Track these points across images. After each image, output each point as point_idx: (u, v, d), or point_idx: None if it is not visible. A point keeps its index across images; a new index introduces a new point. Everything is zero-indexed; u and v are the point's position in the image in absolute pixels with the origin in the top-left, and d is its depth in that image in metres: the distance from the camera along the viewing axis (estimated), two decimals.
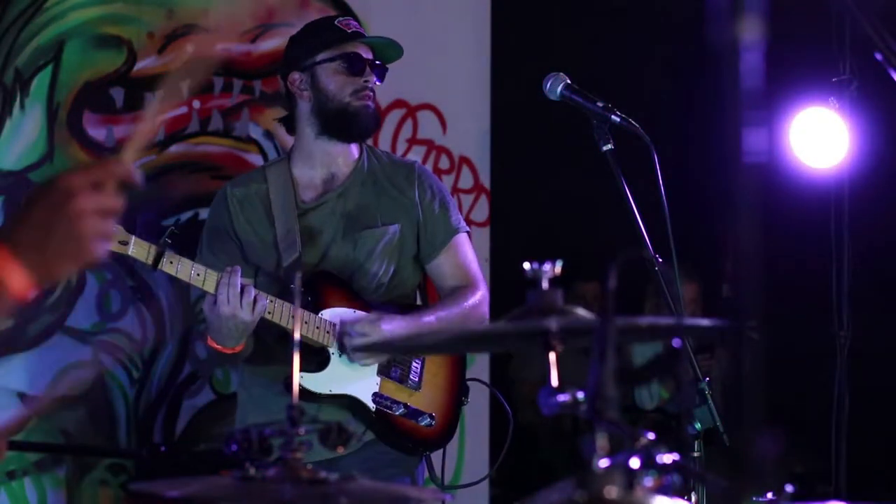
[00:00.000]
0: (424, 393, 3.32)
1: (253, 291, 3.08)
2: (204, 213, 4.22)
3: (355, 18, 4.36)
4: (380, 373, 3.27)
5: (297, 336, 1.98)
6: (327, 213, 3.35)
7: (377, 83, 3.35)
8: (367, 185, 3.39)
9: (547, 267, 1.83)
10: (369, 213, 3.37)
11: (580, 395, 1.69)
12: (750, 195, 1.24)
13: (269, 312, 3.13)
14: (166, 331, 4.18)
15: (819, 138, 4.13)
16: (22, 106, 3.96)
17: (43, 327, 3.99)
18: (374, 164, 3.44)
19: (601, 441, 1.56)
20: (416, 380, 3.32)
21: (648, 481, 1.63)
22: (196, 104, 4.25)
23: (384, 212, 3.38)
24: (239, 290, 3.05)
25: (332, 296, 3.26)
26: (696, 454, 2.62)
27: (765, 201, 1.24)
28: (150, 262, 3.01)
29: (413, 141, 4.72)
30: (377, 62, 3.36)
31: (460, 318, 3.34)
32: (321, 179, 3.38)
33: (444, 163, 4.76)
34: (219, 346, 3.19)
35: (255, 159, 4.33)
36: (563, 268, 1.84)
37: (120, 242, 2.98)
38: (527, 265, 1.85)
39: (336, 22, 3.40)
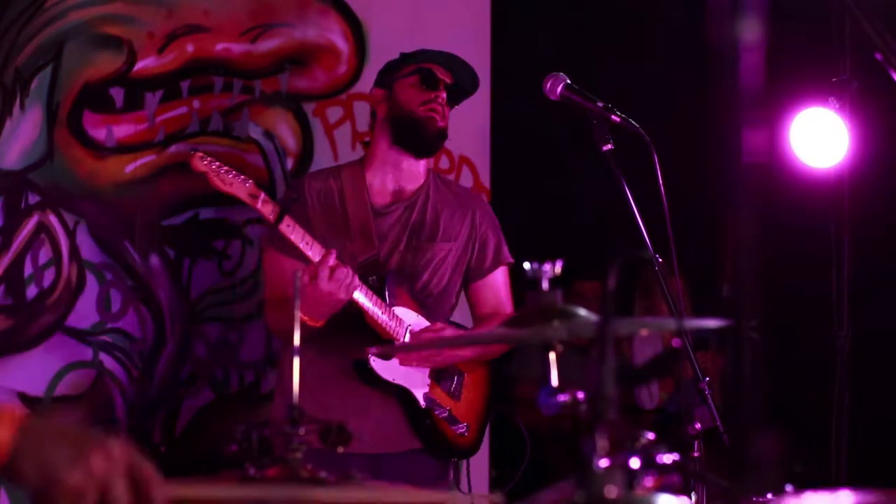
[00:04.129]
0: (462, 405, 3.58)
1: (352, 272, 3.28)
2: (204, 214, 4.23)
3: (356, 19, 4.39)
4: (431, 376, 3.52)
5: (296, 340, 1.97)
6: (395, 220, 3.57)
7: (446, 103, 3.55)
8: (432, 203, 3.63)
9: (547, 267, 1.84)
10: (432, 228, 3.60)
11: (580, 395, 1.69)
12: (750, 195, 1.24)
13: (359, 295, 3.35)
14: (166, 331, 4.18)
15: (819, 138, 4.13)
16: (22, 106, 3.95)
17: (43, 327, 3.98)
18: (441, 187, 3.70)
19: (601, 441, 1.56)
20: (458, 391, 3.58)
21: (648, 481, 1.64)
22: (196, 104, 4.25)
23: (446, 229, 3.62)
24: (342, 270, 3.24)
25: (401, 295, 3.50)
26: (695, 454, 2.62)
27: (765, 201, 1.24)
28: (272, 218, 3.27)
29: None
30: (454, 86, 3.60)
31: (499, 345, 3.60)
32: (391, 190, 3.61)
33: (444, 163, 4.75)
34: (306, 318, 3.30)
35: (255, 159, 4.33)
36: (564, 268, 1.84)
37: (251, 195, 3.26)
38: (527, 265, 1.85)
39: (422, 49, 3.68)
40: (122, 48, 4.11)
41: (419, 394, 3.48)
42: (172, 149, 4.20)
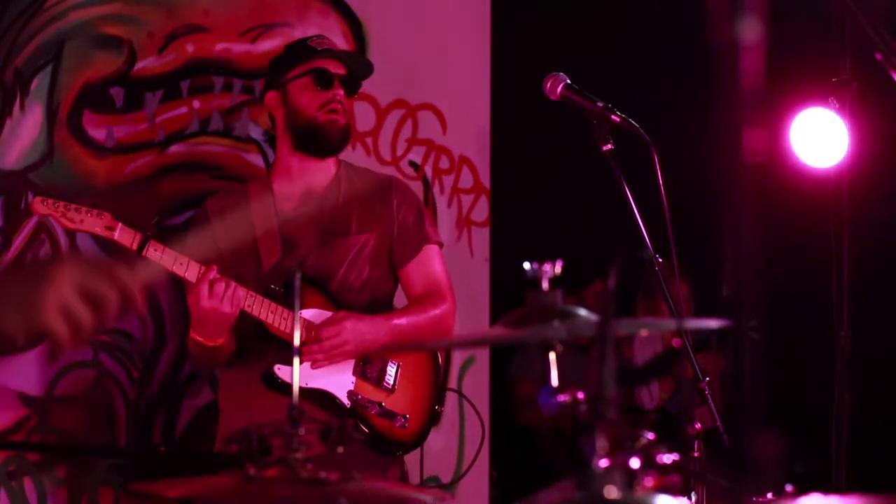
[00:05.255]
0: (398, 395, 3.43)
1: (233, 284, 3.19)
2: None
3: (356, 19, 4.37)
4: (355, 372, 3.39)
5: (296, 339, 1.97)
6: (305, 222, 3.47)
7: (345, 97, 3.46)
8: (343, 197, 3.52)
9: (547, 267, 1.84)
10: (345, 223, 3.49)
11: (580, 395, 1.69)
12: (750, 195, 1.24)
13: (249, 306, 3.25)
14: (166, 331, 4.18)
15: (819, 138, 4.13)
16: (22, 106, 3.95)
17: None
18: (352, 178, 3.57)
19: (601, 441, 1.56)
20: (391, 382, 3.43)
21: (648, 481, 1.64)
22: (196, 104, 4.25)
23: (359, 222, 3.50)
24: (220, 283, 3.16)
25: (310, 297, 3.38)
26: (695, 454, 2.62)
27: (765, 201, 1.24)
28: (134, 247, 3.17)
29: (413, 141, 4.72)
30: (349, 77, 3.48)
31: (427, 325, 3.47)
32: (299, 192, 3.51)
33: (444, 163, 4.75)
34: (201, 339, 3.27)
35: (255, 159, 4.33)
36: (569, 268, 1.85)
37: (107, 228, 3.16)
38: (527, 265, 1.85)
39: (309, 41, 3.55)
40: (122, 48, 4.11)
41: (341, 393, 3.35)
42: (172, 149, 4.20)
